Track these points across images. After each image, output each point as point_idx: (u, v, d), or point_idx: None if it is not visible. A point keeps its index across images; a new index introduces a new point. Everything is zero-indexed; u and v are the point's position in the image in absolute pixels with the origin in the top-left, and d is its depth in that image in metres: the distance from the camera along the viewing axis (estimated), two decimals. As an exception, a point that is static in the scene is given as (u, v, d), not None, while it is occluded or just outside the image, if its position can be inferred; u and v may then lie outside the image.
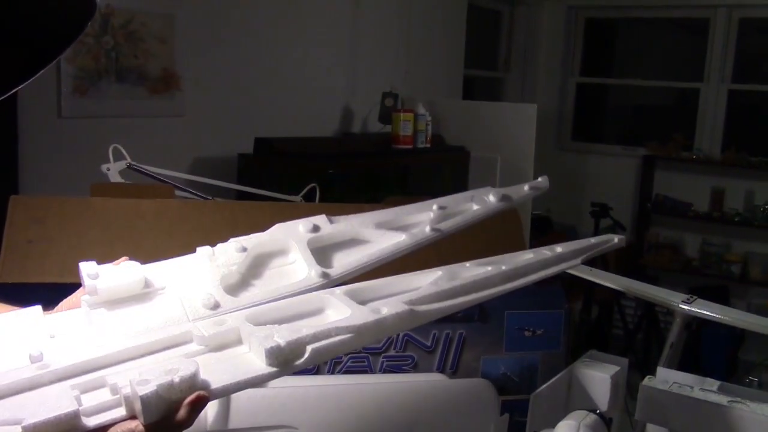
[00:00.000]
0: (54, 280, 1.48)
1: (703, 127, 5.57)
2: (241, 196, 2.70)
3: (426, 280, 1.02)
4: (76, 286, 1.44)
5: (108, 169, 1.96)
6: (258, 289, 0.97)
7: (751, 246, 5.34)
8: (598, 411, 1.12)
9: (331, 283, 1.00)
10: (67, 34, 0.90)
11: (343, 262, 1.04)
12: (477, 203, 1.19)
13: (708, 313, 1.50)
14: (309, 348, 0.83)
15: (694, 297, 1.55)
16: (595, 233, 4.79)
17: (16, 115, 2.63)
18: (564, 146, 6.15)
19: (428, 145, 4.10)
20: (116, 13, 3.02)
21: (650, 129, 5.97)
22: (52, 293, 1.41)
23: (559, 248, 1.21)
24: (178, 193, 1.90)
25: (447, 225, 1.14)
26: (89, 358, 0.82)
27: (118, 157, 1.99)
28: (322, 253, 1.04)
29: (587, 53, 6.15)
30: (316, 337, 0.85)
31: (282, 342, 0.82)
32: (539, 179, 1.26)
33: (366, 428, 1.35)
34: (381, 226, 1.10)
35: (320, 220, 1.06)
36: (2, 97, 0.99)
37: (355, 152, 3.83)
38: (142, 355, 0.84)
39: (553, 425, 1.15)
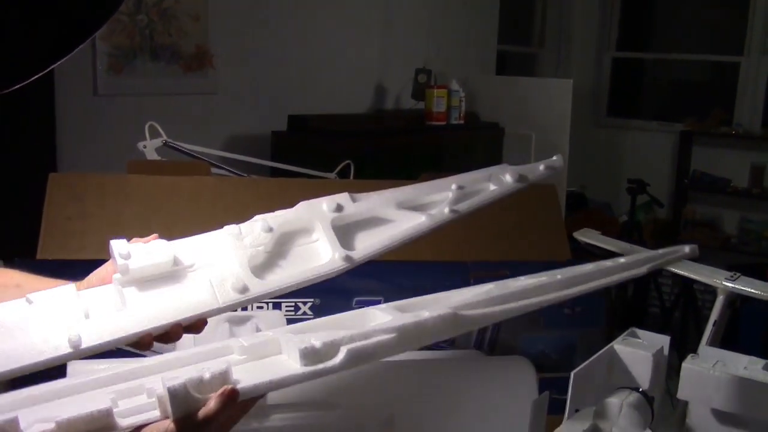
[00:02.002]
0: (92, 256, 1.48)
1: (743, 102, 5.44)
2: (275, 173, 2.70)
3: (476, 291, 1.03)
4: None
5: (144, 147, 1.96)
6: (284, 271, 0.99)
7: (791, 223, 5.24)
8: (641, 389, 1.10)
9: (353, 265, 1.02)
10: (105, 9, 0.89)
11: (366, 244, 1.06)
12: (494, 183, 1.20)
13: (753, 290, 1.46)
14: (344, 348, 0.83)
15: (738, 274, 1.52)
16: (632, 210, 4.72)
17: (53, 93, 2.65)
18: (599, 122, 6.06)
19: (462, 122, 4.07)
20: (150, -9, 3.02)
21: (688, 104, 5.85)
22: (90, 270, 1.42)
23: (622, 259, 1.21)
24: (213, 170, 1.90)
25: (464, 206, 1.16)
26: (129, 368, 0.82)
27: (155, 134, 2.00)
28: (345, 232, 1.07)
29: (623, 27, 6.04)
30: (353, 339, 0.84)
31: (317, 343, 0.82)
32: (554, 158, 1.27)
33: (404, 405, 1.34)
34: (401, 205, 1.12)
35: (343, 198, 1.08)
36: (40, 74, 0.99)
37: (389, 129, 3.81)
38: (183, 366, 0.83)
39: (594, 403, 1.13)
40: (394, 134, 3.74)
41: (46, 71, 0.97)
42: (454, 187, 1.16)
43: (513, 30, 5.60)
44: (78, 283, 1.02)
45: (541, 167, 1.26)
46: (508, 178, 1.21)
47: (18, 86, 0.98)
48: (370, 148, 3.35)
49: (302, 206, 1.05)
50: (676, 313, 4.60)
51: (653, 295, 4.89)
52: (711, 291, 5.02)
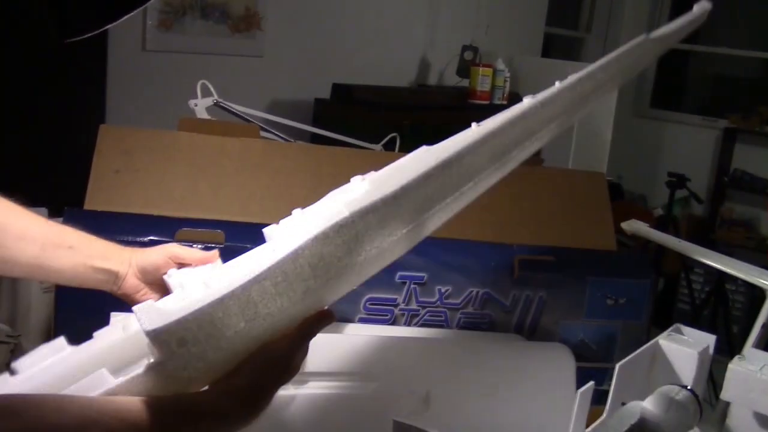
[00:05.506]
0: (138, 210, 1.49)
1: (792, 102, 5.33)
2: (316, 139, 2.68)
3: None
4: (158, 218, 1.45)
5: (195, 105, 1.96)
6: None
7: (830, 229, 5.15)
8: (689, 387, 1.08)
9: None
10: None
11: None
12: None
13: (802, 295, 1.44)
14: None
15: (789, 278, 1.49)
16: (670, 204, 4.66)
17: (106, 46, 2.66)
18: (641, 113, 5.97)
19: (505, 102, 4.02)
20: (203, -51, 3.01)
21: (734, 100, 5.73)
22: (135, 224, 1.43)
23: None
24: (262, 133, 1.89)
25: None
26: None
27: (206, 93, 1.99)
28: None
29: (673, 17, 5.89)
30: None
31: None
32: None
33: (441, 383, 1.34)
34: None
35: None
36: (108, 26, 0.98)
37: (432, 104, 3.78)
38: None
39: (635, 397, 1.12)
40: (437, 110, 3.70)
41: (113, 24, 0.97)
42: None
43: (561, 13, 5.51)
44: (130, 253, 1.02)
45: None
46: None
47: (85, 36, 0.97)
48: (411, 122, 3.32)
49: None
50: (706, 312, 4.54)
51: (683, 292, 4.84)
52: (742, 291, 4.92)
